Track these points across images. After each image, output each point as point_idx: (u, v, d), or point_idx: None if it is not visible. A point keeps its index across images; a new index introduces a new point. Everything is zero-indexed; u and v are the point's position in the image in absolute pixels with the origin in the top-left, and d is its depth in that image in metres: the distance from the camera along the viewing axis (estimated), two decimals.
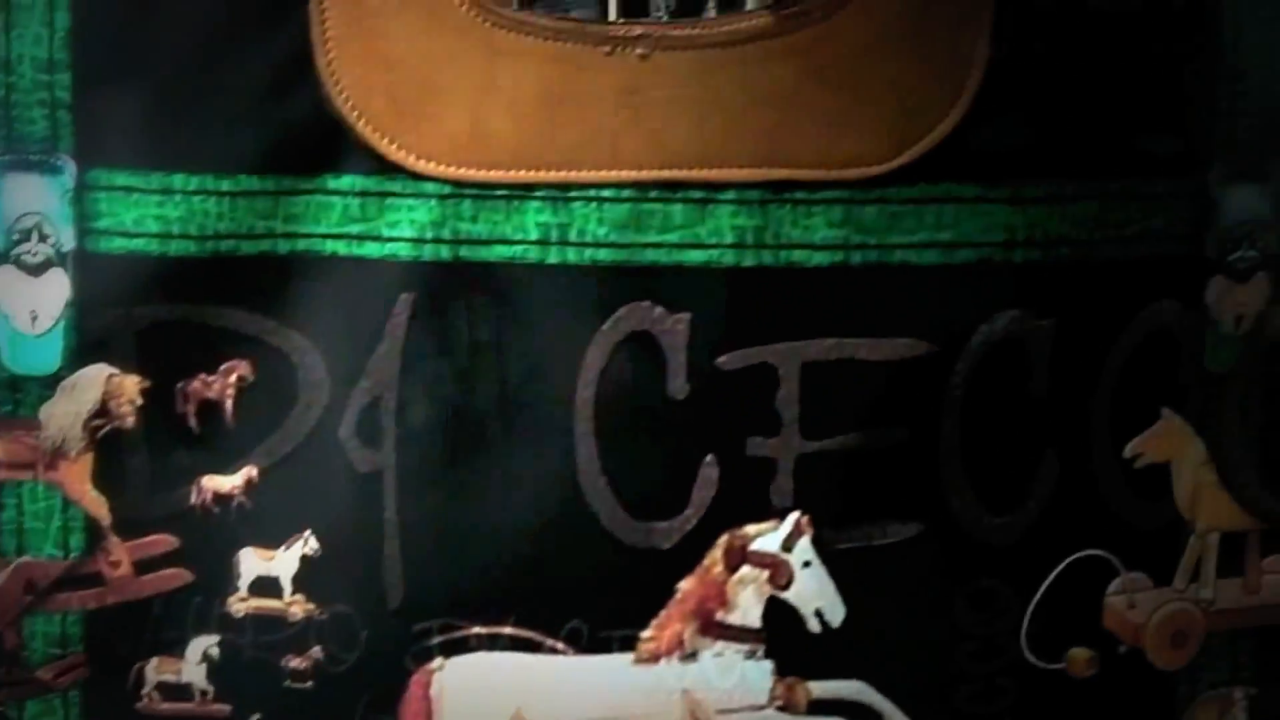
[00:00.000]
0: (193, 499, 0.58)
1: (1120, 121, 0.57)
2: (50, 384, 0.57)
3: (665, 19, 0.60)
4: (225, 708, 0.59)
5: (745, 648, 0.58)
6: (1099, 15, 0.57)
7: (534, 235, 0.56)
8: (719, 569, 0.57)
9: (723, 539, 0.57)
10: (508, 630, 0.57)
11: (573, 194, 0.56)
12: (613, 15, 0.61)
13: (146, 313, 0.57)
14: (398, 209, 0.57)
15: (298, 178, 0.57)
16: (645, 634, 0.57)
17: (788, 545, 0.57)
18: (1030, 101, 0.56)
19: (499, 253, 0.57)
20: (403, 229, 0.57)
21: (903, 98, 0.56)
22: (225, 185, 0.56)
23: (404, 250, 0.57)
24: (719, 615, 0.57)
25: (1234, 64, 0.58)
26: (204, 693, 0.59)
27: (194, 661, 0.58)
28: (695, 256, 0.56)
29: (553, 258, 0.56)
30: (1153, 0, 0.57)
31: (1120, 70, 0.57)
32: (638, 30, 0.56)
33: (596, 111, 0.56)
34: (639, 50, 0.56)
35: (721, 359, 0.56)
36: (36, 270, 0.57)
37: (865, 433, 0.57)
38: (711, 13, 0.61)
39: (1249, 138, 0.58)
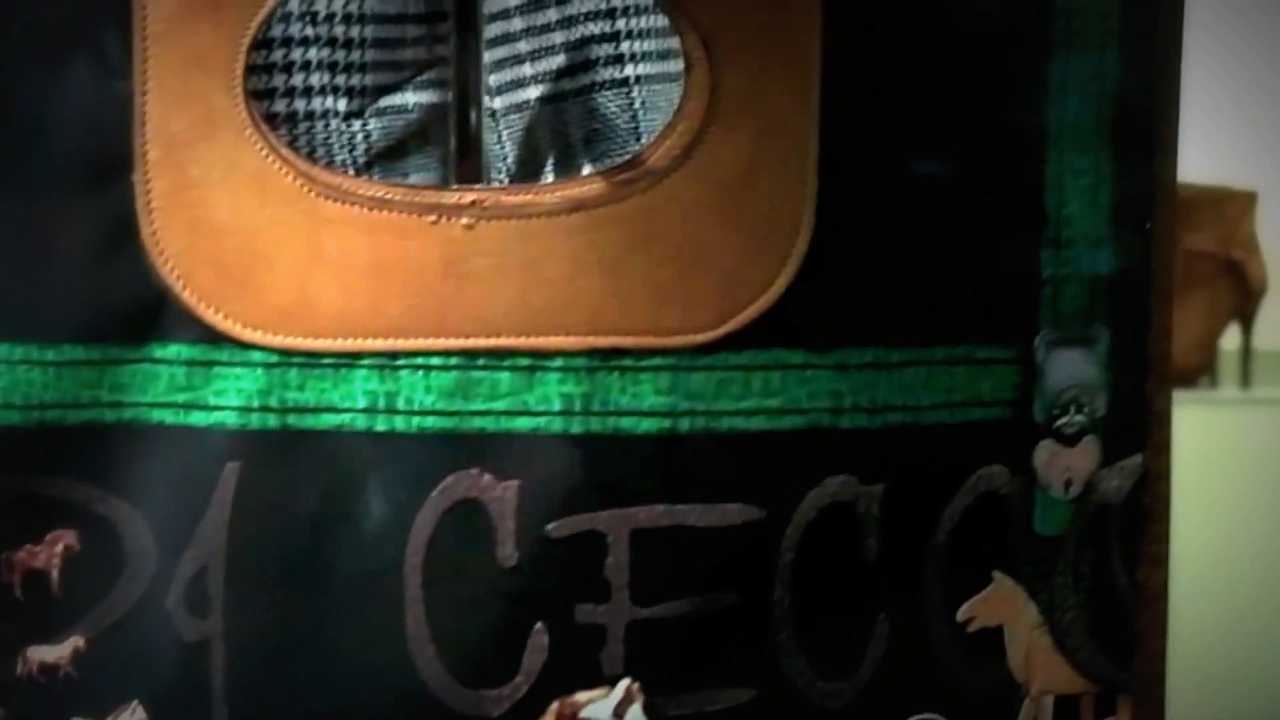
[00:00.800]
0: (19, 670, 0.57)
1: (944, 290, 0.58)
2: None
3: (504, 183, 0.60)
4: None
5: None
6: (922, 185, 0.57)
7: (362, 403, 0.56)
8: None
9: (553, 706, 0.57)
10: None
11: (400, 362, 0.56)
12: (451, 180, 0.61)
13: None
14: (224, 378, 0.56)
15: (123, 347, 0.57)
16: None
17: (619, 712, 0.57)
18: (855, 270, 0.57)
19: (327, 421, 0.56)
20: (229, 398, 0.56)
21: (729, 265, 0.56)
22: (50, 355, 0.56)
23: (231, 419, 0.56)
24: None
25: (1057, 232, 0.58)
26: None
27: None
28: (523, 424, 0.56)
29: (381, 425, 0.56)
30: (975, 168, 0.58)
31: (944, 239, 0.57)
32: (469, 198, 0.56)
33: (423, 280, 0.56)
34: (464, 220, 0.56)
35: (550, 526, 0.56)
36: None
37: (696, 599, 0.57)
38: (549, 177, 0.61)
39: (1073, 304, 0.59)
